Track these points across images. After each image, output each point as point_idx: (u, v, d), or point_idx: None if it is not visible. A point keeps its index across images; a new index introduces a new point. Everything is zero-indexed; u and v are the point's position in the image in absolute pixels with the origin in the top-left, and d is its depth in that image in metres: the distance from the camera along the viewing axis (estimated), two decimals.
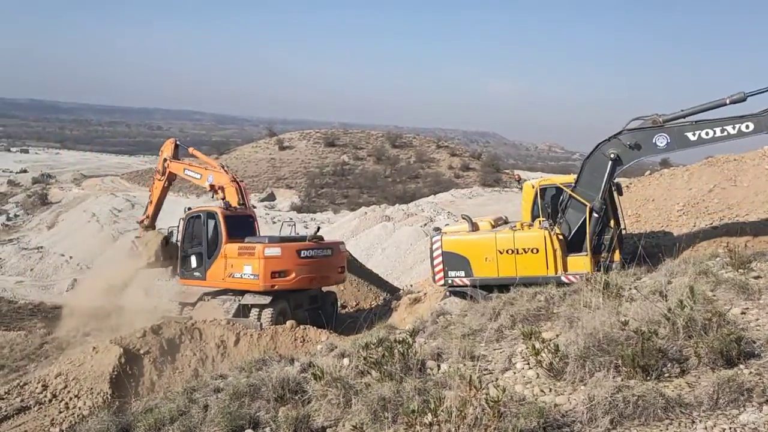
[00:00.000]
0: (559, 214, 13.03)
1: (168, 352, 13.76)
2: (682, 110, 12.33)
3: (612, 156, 12.33)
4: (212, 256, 17.29)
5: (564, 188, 13.00)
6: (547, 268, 12.55)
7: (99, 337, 18.09)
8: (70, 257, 36.43)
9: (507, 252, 12.81)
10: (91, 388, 12.28)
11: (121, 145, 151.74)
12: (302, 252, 16.92)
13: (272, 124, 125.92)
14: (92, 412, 11.23)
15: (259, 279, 16.40)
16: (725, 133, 11.91)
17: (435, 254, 13.58)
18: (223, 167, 19.78)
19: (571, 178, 13.91)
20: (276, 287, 16.72)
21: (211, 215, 17.92)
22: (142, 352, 13.42)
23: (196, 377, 11.92)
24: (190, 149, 21.19)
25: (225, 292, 17.17)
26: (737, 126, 11.83)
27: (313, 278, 17.40)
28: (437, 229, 14.38)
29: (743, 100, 11.87)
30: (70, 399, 12.14)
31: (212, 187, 18.97)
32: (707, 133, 11.99)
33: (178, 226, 18.76)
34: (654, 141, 12.27)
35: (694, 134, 12.07)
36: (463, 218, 14.21)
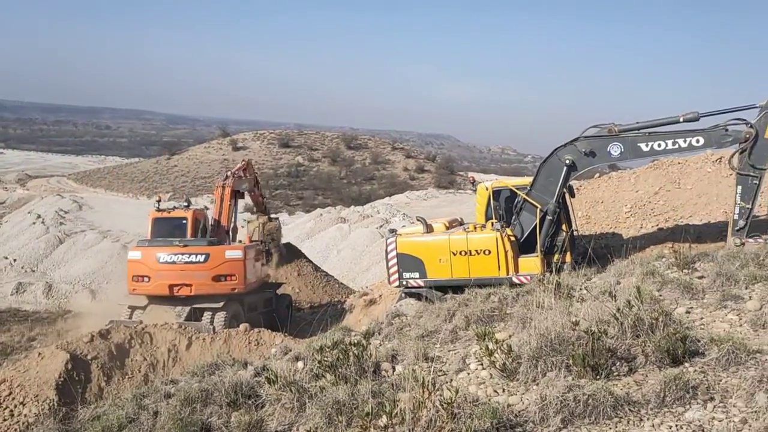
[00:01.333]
0: (513, 216, 13.22)
1: (117, 358, 13.44)
2: (638, 122, 12.66)
3: (567, 162, 12.58)
4: None
5: (518, 192, 13.18)
6: (499, 269, 12.69)
7: (45, 343, 17.58)
8: (14, 260, 35.25)
9: (460, 253, 12.92)
10: (37, 395, 11.89)
11: (68, 144, 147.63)
12: (161, 257, 16.52)
13: (225, 125, 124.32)
14: (38, 420, 10.86)
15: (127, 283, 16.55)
16: (676, 146, 12.32)
17: (390, 256, 13.58)
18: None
19: (524, 180, 14.14)
20: (137, 292, 16.64)
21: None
22: (89, 357, 13.06)
23: (146, 383, 11.66)
24: None
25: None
26: (688, 140, 12.23)
27: (174, 285, 16.54)
28: (392, 231, 14.38)
29: (696, 119, 12.26)
30: (15, 406, 11.74)
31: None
32: (659, 145, 12.38)
33: None
34: (608, 149, 12.57)
35: (647, 145, 12.43)
36: (418, 220, 14.26)
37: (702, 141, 12.17)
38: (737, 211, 11.81)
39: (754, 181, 11.70)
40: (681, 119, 12.22)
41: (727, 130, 12.01)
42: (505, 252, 12.68)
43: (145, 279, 16.52)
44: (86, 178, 78.28)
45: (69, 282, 32.19)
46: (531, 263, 12.70)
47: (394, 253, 13.47)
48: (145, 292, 16.62)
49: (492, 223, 13.05)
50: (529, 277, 11.67)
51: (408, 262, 13.33)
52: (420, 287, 13.25)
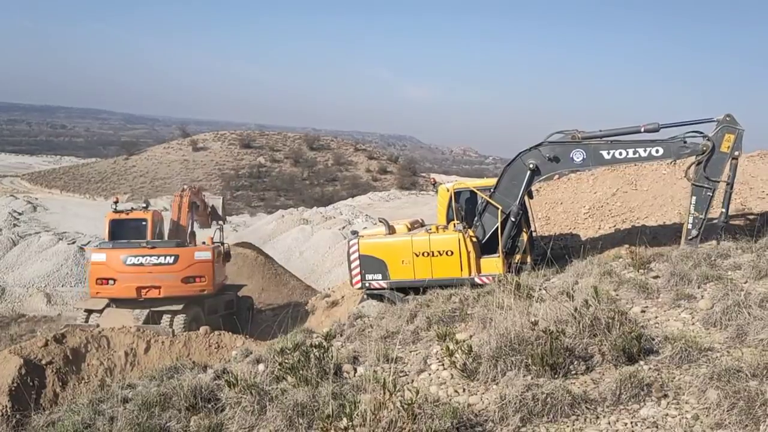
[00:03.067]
0: (476, 218, 13.34)
1: (72, 362, 13.14)
2: (601, 130, 12.97)
3: (531, 166, 12.77)
4: None
5: (481, 194, 13.31)
6: (461, 270, 12.80)
7: None
8: None
9: (423, 255, 12.98)
10: None
11: (22, 144, 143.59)
12: (128, 259, 16.30)
13: (185, 125, 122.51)
14: None
15: (88, 286, 16.29)
16: (637, 155, 12.67)
17: (352, 258, 13.58)
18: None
19: (485, 182, 14.31)
20: (100, 295, 16.30)
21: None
22: (44, 362, 12.74)
23: (102, 388, 11.42)
24: None
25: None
26: (648, 150, 12.60)
27: (141, 288, 16.35)
28: (354, 233, 14.35)
29: (657, 130, 12.60)
30: None
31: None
32: (620, 153, 12.69)
33: None
34: (571, 155, 12.80)
35: (608, 153, 12.72)
36: (380, 221, 14.29)
37: (661, 151, 12.56)
38: (691, 220, 12.13)
39: (708, 193, 12.07)
40: (642, 129, 12.54)
41: (685, 142, 12.39)
42: (468, 253, 12.80)
43: (110, 282, 16.19)
44: (41, 178, 76.23)
45: (23, 285, 31.28)
46: (492, 264, 12.84)
47: (356, 255, 13.47)
48: (110, 295, 16.25)
49: (454, 224, 13.15)
50: (491, 278, 11.77)
51: (371, 264, 13.34)
52: (383, 289, 13.26)
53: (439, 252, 12.91)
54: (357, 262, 13.45)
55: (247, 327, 17.50)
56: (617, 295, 7.57)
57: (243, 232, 43.57)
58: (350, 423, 4.35)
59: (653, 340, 5.69)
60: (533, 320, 5.77)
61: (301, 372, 5.89)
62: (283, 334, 10.91)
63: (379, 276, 13.28)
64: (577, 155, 12.79)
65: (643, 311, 6.90)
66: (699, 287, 7.36)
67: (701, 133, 12.35)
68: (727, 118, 12.13)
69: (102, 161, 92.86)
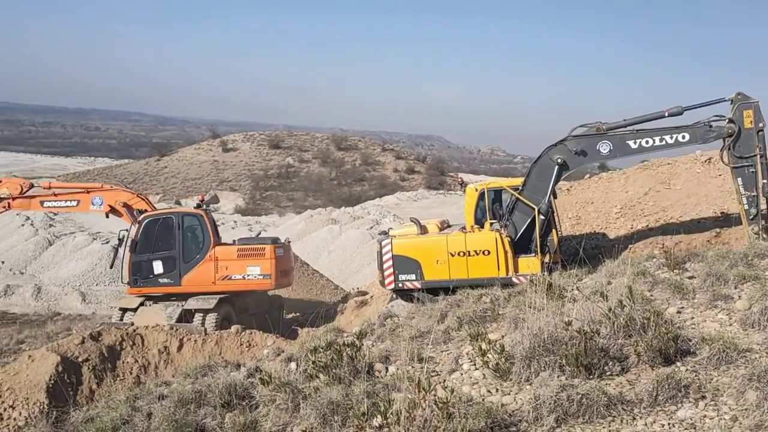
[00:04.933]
0: (505, 217, 13.25)
1: (108, 360, 13.36)
2: (624, 120, 12.90)
3: (558, 161, 12.71)
4: (192, 260, 16.78)
5: (511, 192, 13.24)
6: (499, 269, 12.66)
7: (34, 345, 17.45)
8: (2, 262, 34.98)
9: (458, 254, 12.85)
10: (27, 398, 11.81)
11: (57, 146, 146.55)
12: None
13: (215, 126, 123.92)
14: (28, 423, 10.82)
15: (270, 278, 16.78)
16: (663, 143, 12.65)
17: (385, 258, 13.37)
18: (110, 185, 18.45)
19: (512, 181, 14.24)
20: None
21: (189, 218, 17.33)
22: (80, 359, 12.99)
23: (137, 385, 11.63)
24: (48, 183, 18.79)
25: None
26: (675, 136, 12.59)
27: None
28: (385, 233, 14.25)
29: (680, 113, 12.59)
30: (5, 410, 11.66)
31: (111, 208, 17.35)
32: (647, 142, 12.67)
33: (128, 232, 17.11)
34: (598, 147, 12.77)
35: (635, 142, 12.69)
36: (412, 221, 14.21)
37: (687, 137, 12.61)
38: (745, 201, 12.14)
39: (751, 170, 12.08)
40: (666, 114, 12.59)
41: (711, 126, 12.44)
42: (505, 252, 12.70)
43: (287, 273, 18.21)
44: (75, 179, 77.70)
45: (58, 284, 31.98)
46: (531, 263, 12.75)
47: (389, 255, 13.28)
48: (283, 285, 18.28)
49: (491, 224, 13.09)
50: (528, 278, 11.65)
51: (404, 264, 13.17)
52: (416, 289, 13.18)
53: (475, 251, 12.81)
54: (390, 263, 13.26)
55: (277, 326, 17.65)
56: (652, 295, 7.47)
57: (272, 232, 43.92)
58: (385, 421, 4.38)
59: (690, 341, 5.61)
60: (567, 320, 5.73)
61: (333, 371, 5.92)
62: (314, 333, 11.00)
63: (413, 276, 13.11)
64: (604, 147, 12.78)
65: (678, 312, 6.80)
66: (736, 288, 7.23)
67: (721, 116, 12.44)
68: (739, 96, 12.33)
69: (134, 162, 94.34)
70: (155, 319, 15.76)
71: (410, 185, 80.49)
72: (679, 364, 5.28)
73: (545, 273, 11.11)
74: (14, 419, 11.47)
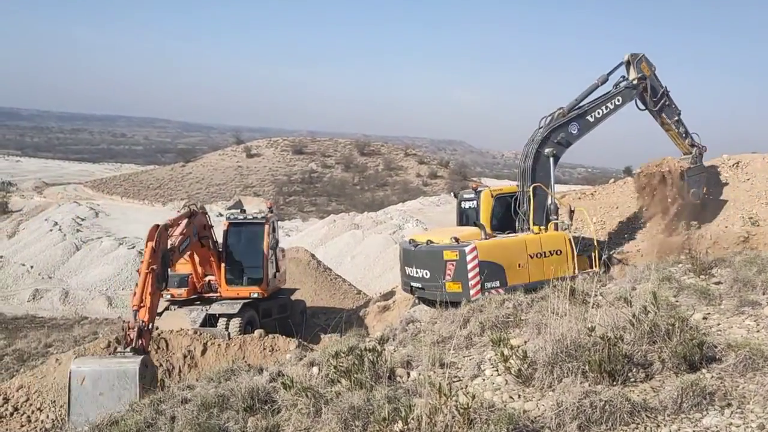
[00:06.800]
0: (524, 212, 13.95)
1: None
2: (575, 99, 14.85)
3: (552, 154, 14.10)
4: None
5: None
6: (568, 268, 12.34)
7: (62, 349, 17.74)
8: (31, 267, 35.64)
9: (537, 255, 12.59)
10: (54, 401, 12.01)
11: (84, 152, 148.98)
12: None
13: (239, 132, 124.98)
14: (55, 426, 11.00)
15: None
16: (608, 110, 14.93)
17: (470, 266, 12.38)
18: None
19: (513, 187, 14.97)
20: None
21: None
22: None
23: (162, 388, 11.74)
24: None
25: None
26: (613, 101, 15.07)
27: None
28: (456, 239, 13.17)
29: (606, 81, 15.20)
30: (33, 412, 11.86)
31: None
32: (599, 113, 14.78)
33: None
34: (570, 130, 14.45)
35: (591, 116, 14.72)
36: (477, 225, 13.78)
37: (621, 99, 15.18)
38: (682, 129, 16.24)
39: (667, 103, 15.88)
40: (599, 83, 15.11)
41: (628, 85, 15.28)
42: (572, 251, 12.69)
43: None
44: (102, 185, 78.84)
45: (85, 288, 32.49)
46: (584, 262, 12.77)
47: (475, 261, 12.39)
48: None
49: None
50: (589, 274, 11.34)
51: (489, 270, 12.39)
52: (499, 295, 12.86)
53: (549, 252, 12.70)
54: (476, 270, 12.37)
55: (300, 330, 17.74)
56: (677, 301, 7.37)
57: (295, 237, 44.15)
58: (406, 426, 4.37)
59: (716, 347, 5.52)
60: (590, 326, 5.67)
61: (355, 375, 5.93)
62: (336, 337, 11.01)
63: (498, 282, 12.38)
64: (573, 127, 14.49)
65: (704, 318, 6.70)
66: (764, 293, 7.10)
67: (624, 77, 15.43)
68: (631, 57, 15.30)
69: (160, 168, 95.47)
70: (180, 323, 15.94)
71: (433, 190, 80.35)
72: (704, 371, 5.19)
73: (602, 269, 11.38)
74: (42, 422, 11.67)
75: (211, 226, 17.21)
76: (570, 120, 14.39)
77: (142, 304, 10.91)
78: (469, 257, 12.48)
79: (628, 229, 17.83)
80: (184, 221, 14.29)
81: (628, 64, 15.44)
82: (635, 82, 15.25)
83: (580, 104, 14.76)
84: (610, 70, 15.37)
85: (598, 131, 15.49)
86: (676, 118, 15.90)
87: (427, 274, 13.14)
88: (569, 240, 12.73)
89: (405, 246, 14.41)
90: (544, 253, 12.62)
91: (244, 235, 17.90)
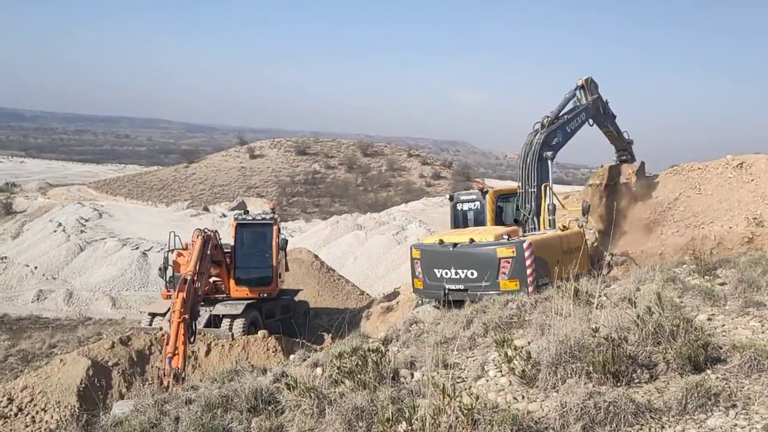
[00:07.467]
0: (529, 211, 14.20)
1: (137, 364, 13.58)
2: (558, 108, 16.03)
3: (550, 156, 14.94)
4: None
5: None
6: (583, 265, 12.42)
7: (66, 349, 17.78)
8: (35, 267, 35.70)
9: (567, 252, 12.63)
10: (59, 402, 12.05)
11: (88, 153, 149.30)
12: None
13: (242, 133, 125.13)
14: (59, 426, 11.00)
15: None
16: (579, 122, 16.35)
17: (528, 262, 12.20)
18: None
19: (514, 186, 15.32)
20: None
21: None
22: (110, 363, 13.21)
23: (166, 389, 11.76)
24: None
25: None
26: (581, 117, 16.46)
27: None
28: (507, 235, 12.91)
29: (573, 96, 16.76)
30: (37, 413, 11.89)
31: None
32: (573, 126, 16.07)
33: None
34: (557, 138, 15.41)
35: (569, 127, 15.83)
36: (516, 223, 14.07)
37: (585, 115, 16.64)
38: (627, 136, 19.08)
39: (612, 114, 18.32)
40: (570, 97, 16.59)
41: (589, 103, 16.85)
42: (585, 248, 12.76)
43: None
44: (106, 186, 78.99)
45: (89, 289, 32.54)
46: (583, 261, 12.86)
47: (531, 258, 12.21)
48: None
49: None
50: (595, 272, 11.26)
51: (540, 266, 12.29)
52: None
53: (572, 249, 12.78)
54: (533, 266, 12.20)
55: (304, 331, 17.75)
56: (682, 302, 7.35)
57: (298, 237, 44.17)
58: (409, 427, 4.37)
59: (720, 348, 5.50)
60: (594, 327, 5.66)
61: (358, 376, 5.93)
62: (340, 338, 11.02)
63: (546, 278, 12.15)
64: (560, 135, 15.50)
65: (709, 319, 6.68)
66: None
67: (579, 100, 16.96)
68: (587, 80, 17.20)
69: (163, 169, 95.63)
70: None
71: (436, 191, 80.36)
72: (709, 371, 5.18)
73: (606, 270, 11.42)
74: (46, 422, 11.70)
75: (222, 246, 17.34)
76: (557, 127, 15.53)
77: (175, 352, 11.97)
78: (526, 253, 12.28)
79: (632, 229, 17.81)
80: (198, 251, 14.59)
81: (582, 88, 17.22)
82: (590, 102, 17.07)
83: (562, 114, 16.12)
84: (573, 88, 17.06)
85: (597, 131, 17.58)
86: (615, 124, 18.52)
87: (473, 274, 12.64)
88: (585, 237, 12.89)
89: (434, 248, 13.38)
90: (571, 249, 12.69)
91: (254, 236, 17.98)
